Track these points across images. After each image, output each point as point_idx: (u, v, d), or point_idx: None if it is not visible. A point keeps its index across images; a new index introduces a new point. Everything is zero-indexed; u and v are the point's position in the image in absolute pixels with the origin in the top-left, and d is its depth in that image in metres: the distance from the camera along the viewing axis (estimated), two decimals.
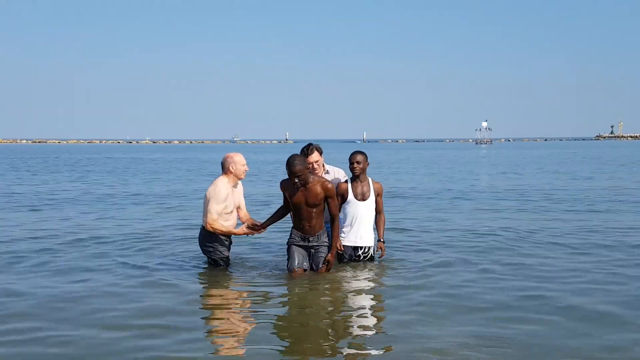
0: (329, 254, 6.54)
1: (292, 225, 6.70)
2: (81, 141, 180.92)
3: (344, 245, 6.92)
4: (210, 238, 6.90)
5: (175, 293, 6.09)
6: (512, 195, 16.68)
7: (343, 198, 6.83)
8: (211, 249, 6.96)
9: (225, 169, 6.86)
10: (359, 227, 6.90)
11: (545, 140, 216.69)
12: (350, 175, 7.04)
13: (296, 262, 6.52)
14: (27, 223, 11.27)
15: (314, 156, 7.04)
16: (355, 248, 6.98)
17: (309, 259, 6.62)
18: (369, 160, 7.02)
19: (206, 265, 7.22)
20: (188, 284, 6.51)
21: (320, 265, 6.58)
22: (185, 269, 7.23)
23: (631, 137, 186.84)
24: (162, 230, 10.33)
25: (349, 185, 6.90)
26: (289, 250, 6.61)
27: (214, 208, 6.68)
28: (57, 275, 6.99)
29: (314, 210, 6.39)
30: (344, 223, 6.91)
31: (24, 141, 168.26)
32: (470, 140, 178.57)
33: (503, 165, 35.92)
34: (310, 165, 7.07)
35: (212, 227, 6.72)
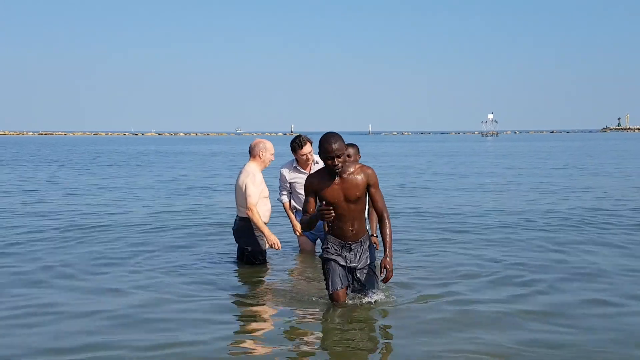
0: (386, 259, 4.91)
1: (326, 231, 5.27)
2: (87, 133, 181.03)
3: None
4: (249, 229, 6.63)
5: (195, 302, 5.55)
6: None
7: None
8: (249, 241, 6.69)
9: (254, 154, 6.70)
10: None
11: (552, 132, 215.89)
12: None
13: (338, 283, 5.01)
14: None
15: (307, 147, 7.07)
16: None
17: (352, 280, 5.13)
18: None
19: (233, 263, 6.96)
20: (214, 292, 5.89)
21: (373, 289, 5.13)
22: (211, 268, 6.97)
23: (638, 129, 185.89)
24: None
25: None
26: (325, 266, 5.07)
27: (253, 191, 6.47)
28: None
29: (356, 206, 4.89)
30: None
31: (31, 133, 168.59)
32: (476, 133, 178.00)
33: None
34: (304, 157, 7.05)
35: (252, 212, 6.46)
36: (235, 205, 6.78)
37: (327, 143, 4.70)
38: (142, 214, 11.13)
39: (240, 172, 6.71)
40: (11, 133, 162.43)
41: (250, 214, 6.48)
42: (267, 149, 6.71)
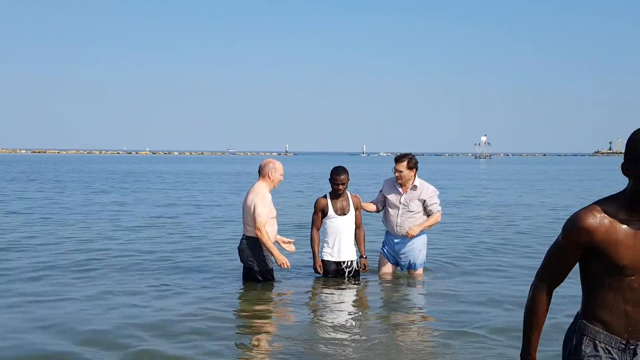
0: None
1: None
2: (80, 151, 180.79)
3: (327, 261, 6.84)
4: (257, 248, 6.60)
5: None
6: None
7: (324, 213, 6.78)
8: (256, 261, 6.63)
9: (263, 174, 6.71)
10: (340, 242, 6.80)
11: (544, 155, 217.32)
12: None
13: None
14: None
15: (403, 165, 6.87)
16: (338, 263, 6.85)
17: None
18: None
19: (239, 285, 6.86)
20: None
21: None
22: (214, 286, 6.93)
23: None
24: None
25: (329, 200, 6.80)
26: None
27: (262, 211, 6.46)
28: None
29: None
30: (325, 238, 6.83)
31: (23, 151, 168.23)
32: (470, 154, 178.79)
33: None
34: (397, 173, 6.89)
35: (261, 232, 6.43)
36: (242, 224, 6.73)
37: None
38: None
39: (249, 191, 6.69)
40: (4, 150, 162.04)
41: (259, 234, 6.45)
42: (277, 169, 6.72)
